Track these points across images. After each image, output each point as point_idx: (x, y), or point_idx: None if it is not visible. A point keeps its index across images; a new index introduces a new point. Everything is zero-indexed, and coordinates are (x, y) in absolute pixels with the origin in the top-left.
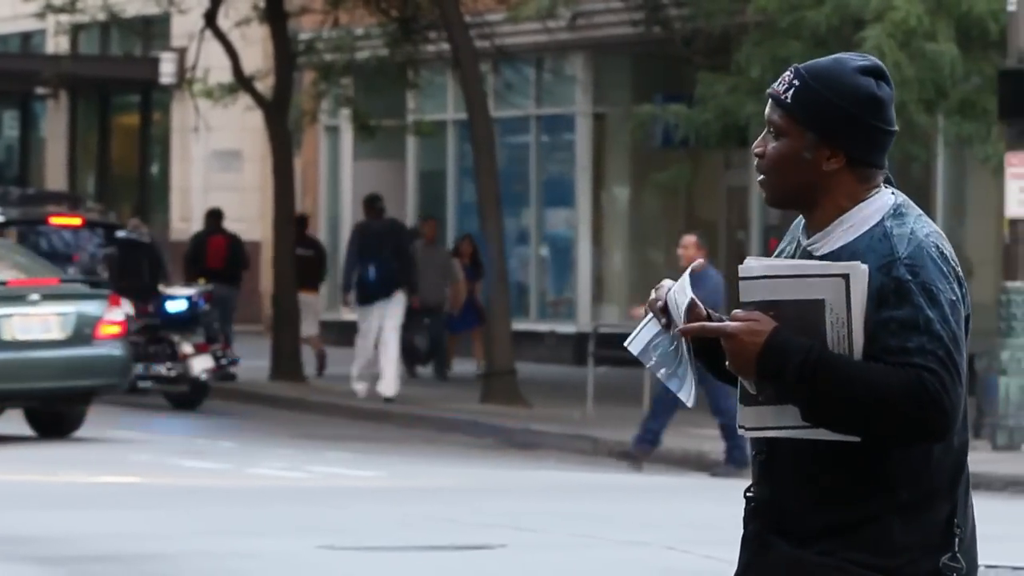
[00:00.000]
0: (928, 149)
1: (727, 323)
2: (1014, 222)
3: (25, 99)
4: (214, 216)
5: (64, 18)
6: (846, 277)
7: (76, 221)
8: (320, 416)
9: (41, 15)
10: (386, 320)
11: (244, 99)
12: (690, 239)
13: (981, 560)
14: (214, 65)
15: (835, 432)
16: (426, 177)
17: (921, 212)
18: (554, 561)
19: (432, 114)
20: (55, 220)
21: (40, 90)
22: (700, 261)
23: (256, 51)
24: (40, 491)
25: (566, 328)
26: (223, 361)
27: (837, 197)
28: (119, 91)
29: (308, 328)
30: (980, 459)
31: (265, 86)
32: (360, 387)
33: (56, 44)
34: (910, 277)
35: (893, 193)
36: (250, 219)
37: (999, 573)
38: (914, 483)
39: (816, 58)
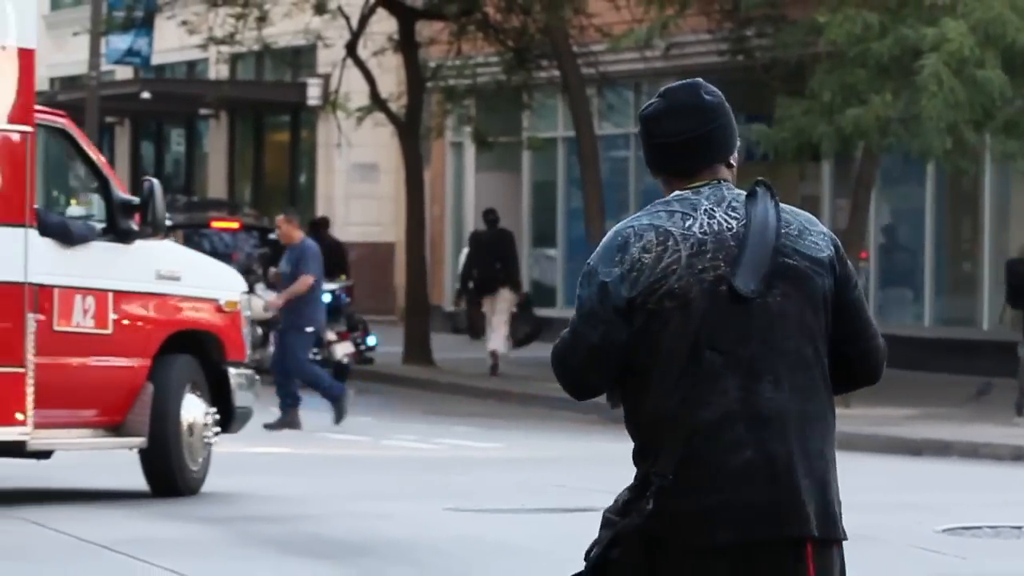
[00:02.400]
0: (977, 164)
1: None
2: None
3: (190, 119)
4: (320, 224)
5: (224, 49)
6: None
7: (234, 225)
8: (447, 395)
9: (204, 46)
10: (494, 314)
11: (380, 118)
12: None
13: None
14: (354, 89)
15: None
16: (538, 187)
17: (672, 207)
18: None
19: (544, 132)
20: (216, 224)
21: (203, 111)
22: None
23: (391, 77)
24: None
25: None
26: (362, 347)
27: None
28: (272, 112)
29: None
30: (1020, 434)
31: (398, 107)
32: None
33: (217, 71)
34: (588, 262)
35: (695, 193)
36: (385, 224)
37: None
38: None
39: (881, 84)
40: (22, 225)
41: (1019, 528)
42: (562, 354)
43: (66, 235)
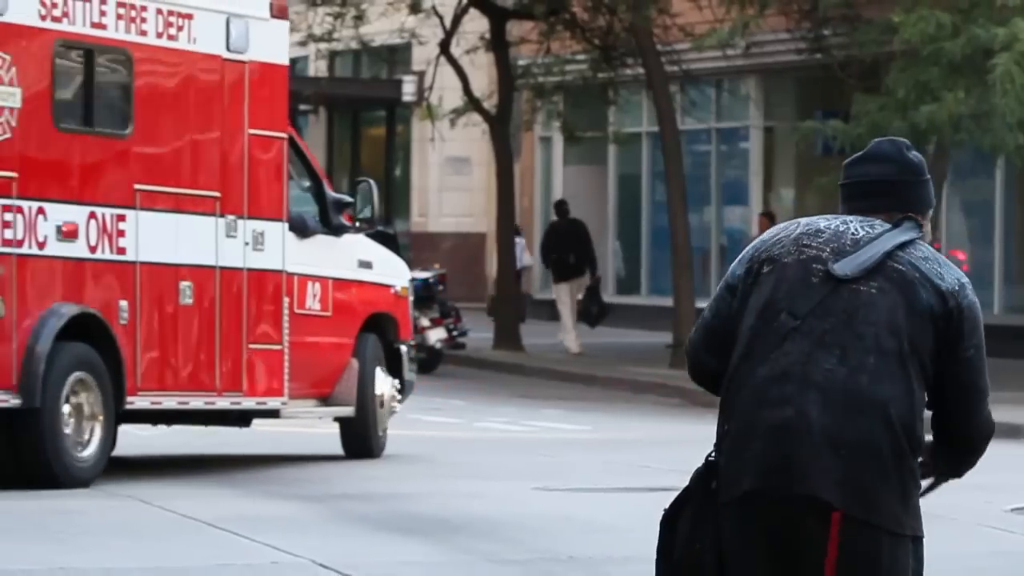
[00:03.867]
0: None
1: None
2: None
3: (291, 115)
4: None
5: (323, 46)
6: None
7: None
8: (536, 379)
9: (304, 44)
10: (564, 305)
11: (472, 115)
12: None
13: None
14: (447, 86)
15: None
16: (624, 180)
17: (827, 215)
18: None
19: (629, 127)
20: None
21: (303, 107)
22: None
23: (483, 74)
24: (300, 440)
25: None
26: (455, 332)
27: None
28: (368, 107)
29: None
30: None
31: (490, 104)
32: (567, 342)
33: (316, 68)
34: None
35: (858, 218)
36: (477, 215)
37: None
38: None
39: (953, 81)
40: (281, 220)
41: None
42: (691, 334)
43: (303, 229)
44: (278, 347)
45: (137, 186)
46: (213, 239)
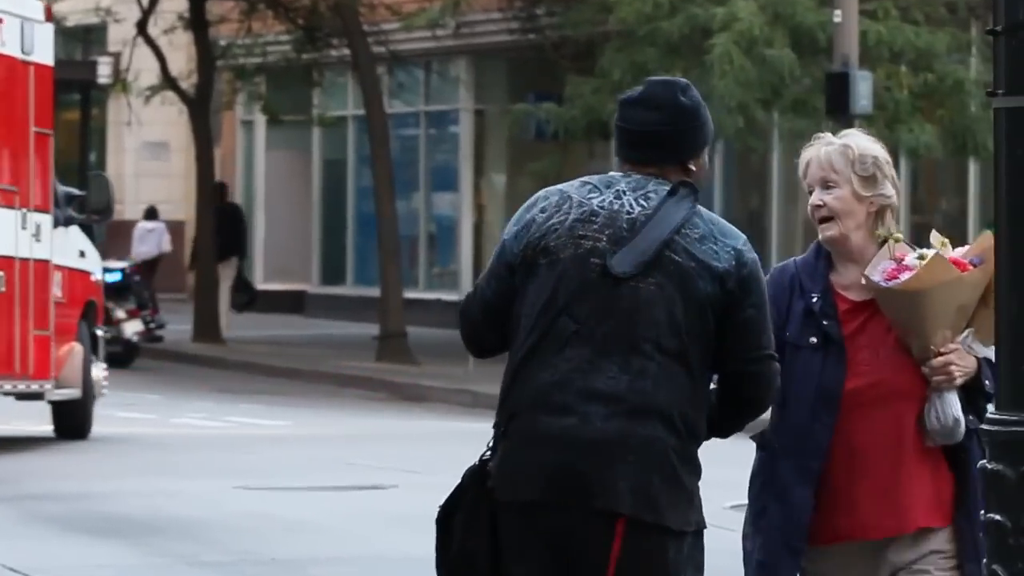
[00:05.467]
0: (765, 142)
1: None
2: None
3: None
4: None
5: None
6: None
7: None
8: (236, 373)
9: None
10: (223, 280)
11: (170, 96)
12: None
13: None
14: (145, 67)
15: None
16: (329, 165)
17: (591, 181)
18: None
19: (334, 110)
20: None
21: None
22: None
23: (182, 55)
24: None
25: (450, 296)
26: (152, 325)
27: None
28: (62, 90)
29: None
30: None
31: (189, 85)
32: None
33: None
34: None
35: (624, 176)
36: (176, 201)
37: None
38: None
39: (671, 63)
40: (50, 212)
41: None
42: (464, 308)
43: (55, 221)
44: (47, 333)
45: None
46: (14, 231)
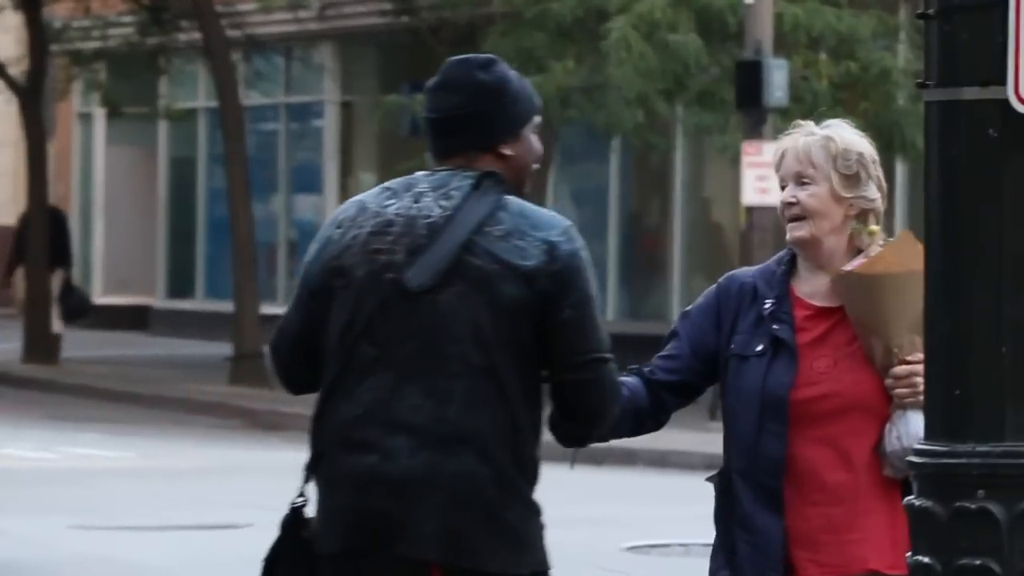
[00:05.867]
0: (668, 139)
1: None
2: (750, 209)
3: None
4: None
5: None
6: None
7: None
8: (71, 397)
9: None
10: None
11: None
12: None
13: None
14: None
15: None
16: (177, 163)
17: (392, 186)
18: None
19: (183, 101)
20: None
21: None
22: None
23: (10, 38)
24: None
25: None
26: None
27: None
28: None
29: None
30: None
31: (18, 72)
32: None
33: None
34: None
35: (427, 175)
36: (4, 203)
37: None
38: None
39: (562, 49)
40: None
41: (710, 545)
42: (273, 342)
43: None
44: None
45: None
46: None
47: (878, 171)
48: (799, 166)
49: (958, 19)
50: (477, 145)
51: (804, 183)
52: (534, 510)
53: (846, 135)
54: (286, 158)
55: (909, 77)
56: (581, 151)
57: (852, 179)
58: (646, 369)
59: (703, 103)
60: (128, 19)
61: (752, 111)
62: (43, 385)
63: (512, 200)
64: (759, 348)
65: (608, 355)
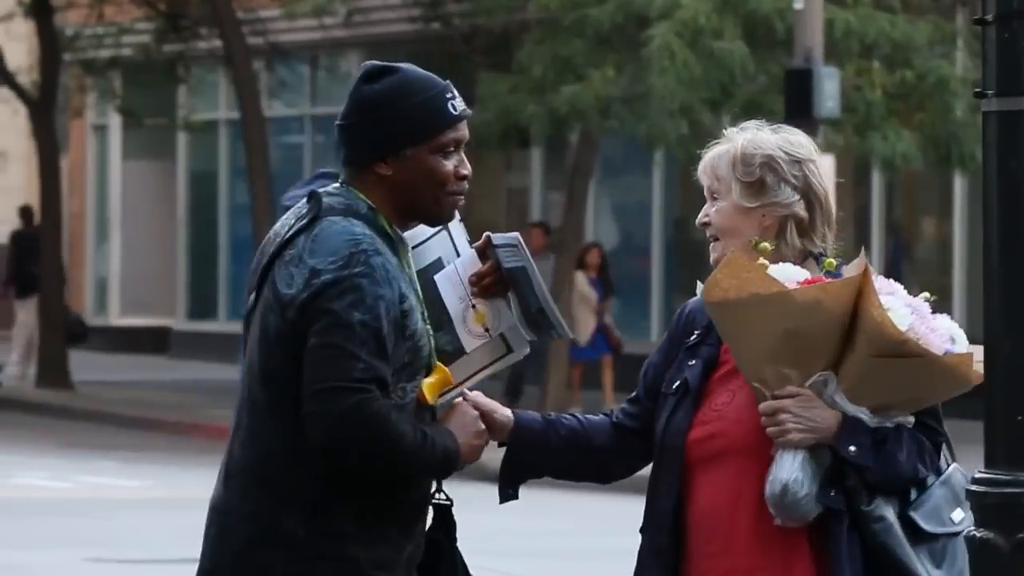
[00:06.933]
0: None
1: None
2: None
3: None
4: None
5: None
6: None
7: None
8: (87, 424)
9: None
10: (22, 316)
11: (7, 95)
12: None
13: None
14: None
15: None
16: (197, 178)
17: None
18: None
19: (203, 113)
20: None
21: None
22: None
23: (21, 47)
24: None
25: None
26: None
27: None
28: None
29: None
30: None
31: (30, 82)
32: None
33: None
34: None
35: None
36: (14, 221)
37: None
38: None
39: (601, 57)
40: None
41: None
42: None
43: None
44: None
45: None
46: None
47: (802, 170)
48: (707, 180)
49: (1017, 25)
50: (351, 160)
51: (715, 198)
52: (294, 550)
53: (751, 136)
54: (311, 172)
55: (967, 86)
56: (623, 163)
57: (755, 186)
58: (613, 413)
59: (750, 114)
60: (144, 26)
61: (802, 122)
62: (58, 411)
63: (324, 223)
64: (675, 385)
65: (351, 384)
